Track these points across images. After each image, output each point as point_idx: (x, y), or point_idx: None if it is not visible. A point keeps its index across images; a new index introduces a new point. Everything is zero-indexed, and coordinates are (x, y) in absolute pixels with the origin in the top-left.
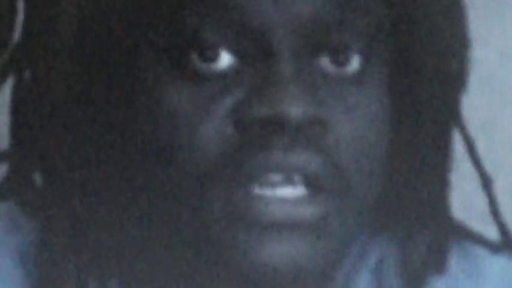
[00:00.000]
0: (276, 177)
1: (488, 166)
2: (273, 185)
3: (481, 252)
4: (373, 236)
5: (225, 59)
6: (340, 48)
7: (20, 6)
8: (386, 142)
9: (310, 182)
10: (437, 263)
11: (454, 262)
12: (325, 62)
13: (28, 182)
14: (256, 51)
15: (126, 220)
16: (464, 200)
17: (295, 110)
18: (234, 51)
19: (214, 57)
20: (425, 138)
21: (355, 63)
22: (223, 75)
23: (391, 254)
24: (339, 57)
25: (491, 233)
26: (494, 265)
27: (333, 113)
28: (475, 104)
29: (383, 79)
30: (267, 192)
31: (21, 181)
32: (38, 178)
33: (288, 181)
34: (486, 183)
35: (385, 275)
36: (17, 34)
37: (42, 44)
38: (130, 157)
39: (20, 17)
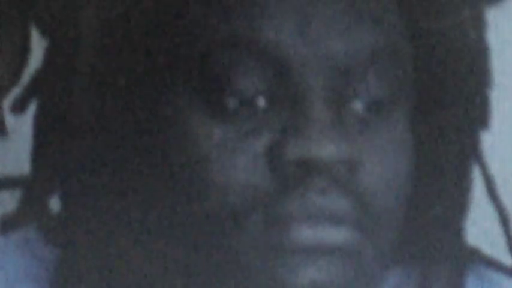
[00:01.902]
0: (306, 219)
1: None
2: (304, 225)
3: (496, 277)
4: (388, 268)
5: (260, 102)
6: (372, 94)
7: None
8: (408, 177)
9: (339, 222)
10: None
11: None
12: (358, 107)
13: (45, 208)
14: (291, 94)
15: (153, 252)
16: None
17: (330, 153)
18: (270, 95)
19: (249, 102)
20: (444, 174)
21: (385, 109)
22: (257, 116)
23: (408, 284)
24: (372, 106)
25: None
26: None
27: (364, 155)
28: None
29: (407, 117)
30: (297, 231)
31: (39, 207)
32: (54, 204)
33: (321, 222)
34: (504, 219)
35: None
36: (35, 61)
37: (65, 70)
38: (157, 187)
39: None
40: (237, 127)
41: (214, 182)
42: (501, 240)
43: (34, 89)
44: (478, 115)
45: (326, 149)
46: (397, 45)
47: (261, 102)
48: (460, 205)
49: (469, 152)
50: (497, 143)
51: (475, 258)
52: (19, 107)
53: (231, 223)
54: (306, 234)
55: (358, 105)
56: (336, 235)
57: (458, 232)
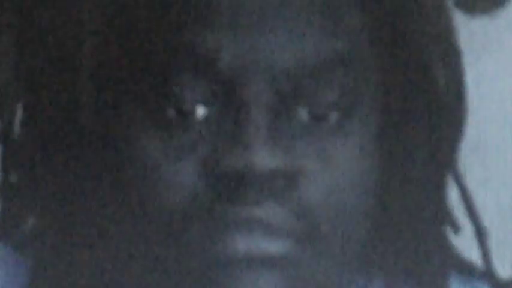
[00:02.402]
0: (240, 231)
1: None
2: (238, 238)
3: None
4: (371, 280)
5: (200, 112)
6: (318, 104)
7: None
8: (370, 191)
9: (274, 232)
10: None
11: None
12: (302, 114)
13: (20, 223)
14: (231, 102)
15: (108, 261)
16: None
17: (264, 164)
18: (210, 103)
19: (189, 111)
20: (420, 185)
21: (334, 117)
22: (197, 126)
23: None
24: (317, 111)
25: None
26: None
27: (305, 165)
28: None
29: (367, 127)
30: (232, 242)
31: (14, 221)
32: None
33: (254, 232)
34: (481, 235)
35: None
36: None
37: (35, 77)
38: (117, 199)
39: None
40: (177, 138)
41: (155, 192)
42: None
43: (5, 98)
44: (453, 125)
45: (260, 160)
46: (353, 53)
47: (201, 111)
48: (438, 212)
49: (444, 164)
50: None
51: (460, 266)
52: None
53: (170, 233)
54: (241, 245)
55: (303, 114)
56: (272, 246)
57: (440, 238)
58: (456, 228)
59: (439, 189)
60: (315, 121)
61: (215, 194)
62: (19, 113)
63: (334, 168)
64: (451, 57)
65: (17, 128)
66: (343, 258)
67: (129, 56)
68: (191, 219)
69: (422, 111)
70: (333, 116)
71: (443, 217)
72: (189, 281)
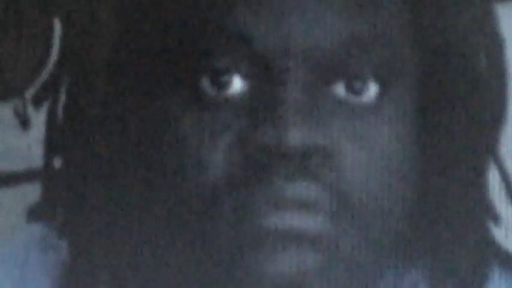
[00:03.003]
0: (273, 206)
1: None
2: (270, 213)
3: None
4: (408, 267)
5: (236, 85)
6: (356, 76)
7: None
8: (408, 171)
9: (310, 208)
10: None
11: (494, 282)
12: (340, 90)
13: (61, 202)
14: (267, 78)
15: (146, 238)
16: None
17: (299, 140)
18: (246, 77)
19: (226, 83)
20: (460, 170)
21: (371, 92)
22: (233, 102)
23: (428, 280)
24: (354, 85)
25: None
26: None
27: (340, 141)
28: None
29: (406, 108)
30: (265, 218)
31: (55, 201)
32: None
33: (289, 209)
34: None
35: None
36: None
37: (77, 63)
38: (150, 175)
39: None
40: (214, 115)
41: (190, 170)
42: None
43: (51, 83)
44: (495, 111)
45: (295, 136)
46: (391, 30)
47: (237, 84)
48: (478, 198)
49: (486, 149)
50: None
51: (498, 255)
52: (37, 101)
53: (205, 209)
54: (274, 221)
55: (340, 89)
56: (305, 223)
57: (480, 229)
58: (496, 219)
59: (480, 175)
60: (352, 96)
61: (249, 170)
62: (62, 100)
63: (370, 148)
64: (493, 40)
65: (60, 114)
66: (378, 240)
67: (165, 28)
68: (225, 195)
69: (463, 95)
70: (371, 90)
71: (483, 206)
72: (224, 256)
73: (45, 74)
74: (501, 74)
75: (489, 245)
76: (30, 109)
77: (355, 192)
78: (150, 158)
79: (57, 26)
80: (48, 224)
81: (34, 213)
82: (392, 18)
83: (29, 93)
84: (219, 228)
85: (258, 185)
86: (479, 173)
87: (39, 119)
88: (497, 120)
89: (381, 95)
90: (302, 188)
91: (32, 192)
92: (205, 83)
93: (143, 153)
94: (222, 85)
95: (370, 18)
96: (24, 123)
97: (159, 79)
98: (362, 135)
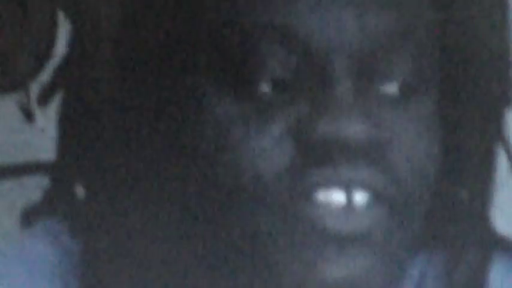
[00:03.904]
0: (338, 194)
1: None
2: (334, 202)
3: None
4: (417, 250)
5: (287, 82)
6: (398, 73)
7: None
8: (435, 158)
9: (372, 197)
10: (478, 281)
11: (497, 276)
12: (383, 85)
13: (71, 198)
14: (317, 72)
15: (174, 234)
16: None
17: (358, 132)
18: (297, 75)
19: (276, 82)
20: (469, 155)
21: (410, 87)
22: (283, 94)
23: (434, 269)
24: (397, 81)
25: None
26: None
27: (390, 133)
28: None
29: (434, 100)
30: (329, 204)
31: (64, 197)
32: (80, 194)
33: (350, 199)
34: None
35: None
36: (61, 48)
37: (89, 58)
38: (181, 169)
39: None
40: (262, 106)
41: (241, 161)
42: None
43: (58, 79)
44: (503, 97)
45: (354, 128)
46: (421, 28)
47: (288, 81)
48: (485, 189)
49: (494, 135)
50: None
51: (503, 245)
52: (44, 98)
53: (260, 199)
54: (333, 219)
55: (389, 87)
56: (369, 218)
57: (484, 217)
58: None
59: (489, 175)
60: (399, 94)
61: (307, 159)
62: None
63: (413, 140)
64: (504, 34)
65: (71, 108)
66: (418, 231)
67: (212, 25)
68: (279, 186)
69: (474, 86)
70: (410, 85)
71: (489, 200)
72: (273, 255)
73: (51, 70)
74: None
75: (490, 232)
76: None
77: (411, 181)
78: (186, 151)
79: (61, 19)
80: (52, 219)
81: (39, 209)
82: (419, 17)
83: (33, 86)
84: (272, 216)
85: (319, 171)
86: (489, 151)
87: (43, 112)
88: (505, 106)
89: (420, 93)
90: (365, 173)
91: (35, 186)
92: (264, 88)
93: (170, 144)
94: (278, 88)
95: (406, 16)
96: (29, 116)
97: (201, 75)
98: (407, 127)
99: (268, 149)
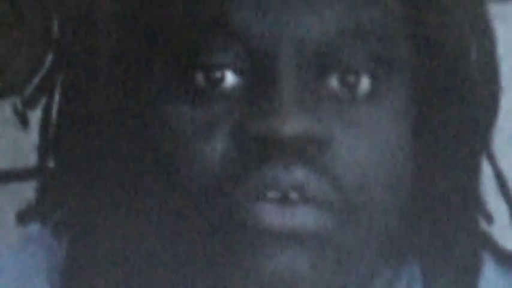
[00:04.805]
0: (274, 194)
1: None
2: (271, 202)
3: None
4: (402, 264)
5: (229, 80)
6: (348, 69)
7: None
8: (402, 166)
9: (308, 199)
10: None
11: (488, 283)
12: (333, 83)
13: (58, 203)
14: (261, 71)
15: (142, 234)
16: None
17: (289, 128)
18: (239, 71)
19: (219, 78)
20: (453, 165)
21: (364, 86)
22: (227, 94)
23: (420, 283)
24: (348, 78)
25: None
26: None
27: (335, 133)
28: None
29: (401, 103)
30: (266, 204)
31: (51, 202)
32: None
33: (286, 199)
34: None
35: None
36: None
37: (72, 66)
38: (145, 170)
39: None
40: (208, 108)
41: (183, 162)
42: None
43: (45, 82)
44: (488, 106)
45: (289, 125)
46: (384, 24)
47: (230, 79)
48: (472, 190)
49: (479, 147)
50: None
51: (493, 251)
52: (32, 102)
53: (200, 201)
54: (270, 216)
55: (333, 82)
56: (302, 218)
57: (472, 221)
58: (489, 219)
59: (473, 170)
60: (346, 89)
61: (245, 160)
62: (56, 99)
63: (364, 139)
64: (484, 37)
65: (54, 114)
66: (374, 235)
67: (158, 25)
68: (222, 186)
69: (455, 91)
70: (364, 83)
71: (476, 202)
72: (220, 247)
73: (39, 74)
74: (492, 70)
75: (483, 241)
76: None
77: (351, 184)
78: (145, 153)
79: (56, 25)
80: (44, 223)
81: (30, 212)
82: (386, 12)
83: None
84: (213, 222)
85: (255, 173)
86: (472, 168)
87: (39, 117)
88: (490, 116)
89: (374, 89)
90: (300, 177)
91: (29, 191)
92: (199, 78)
93: (138, 149)
94: (215, 80)
95: (364, 12)
96: (24, 121)
97: (152, 75)
98: (356, 127)
99: (209, 151)
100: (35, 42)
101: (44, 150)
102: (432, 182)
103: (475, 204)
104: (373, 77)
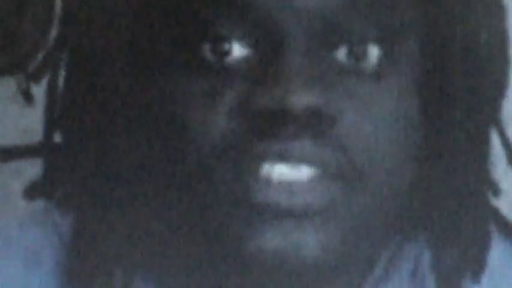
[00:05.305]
0: (281, 167)
1: None
2: (279, 174)
3: None
4: (407, 241)
5: (236, 52)
6: (358, 40)
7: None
8: (411, 140)
9: (317, 169)
10: (474, 267)
11: (497, 257)
12: (341, 55)
13: (64, 179)
14: (268, 43)
15: (143, 205)
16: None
17: (297, 102)
18: (246, 43)
19: (226, 50)
20: (462, 139)
21: (373, 58)
22: (234, 66)
23: (427, 258)
24: (356, 50)
25: None
26: None
27: (342, 107)
28: None
29: (409, 77)
30: (273, 178)
31: (57, 177)
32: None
33: (294, 171)
34: None
35: (421, 281)
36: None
37: (78, 40)
38: (154, 145)
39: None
40: (215, 79)
41: (190, 134)
42: None
43: (52, 58)
44: (497, 79)
45: (297, 98)
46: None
47: (237, 51)
48: (479, 170)
49: (488, 119)
50: None
51: (501, 225)
52: (37, 76)
53: (203, 172)
54: (276, 192)
55: (341, 54)
56: (315, 193)
57: (481, 196)
58: (496, 189)
59: (481, 145)
60: (354, 61)
61: (251, 132)
62: (62, 73)
63: (371, 113)
64: (494, 9)
65: (60, 88)
66: (381, 210)
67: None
68: (224, 157)
69: (464, 63)
70: (372, 54)
71: (484, 176)
72: (223, 220)
73: (44, 48)
74: (502, 42)
75: (491, 215)
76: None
77: (360, 155)
78: (150, 126)
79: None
80: (49, 199)
81: (36, 188)
82: None
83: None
84: (216, 191)
85: (261, 144)
86: (481, 143)
87: (42, 94)
88: (499, 88)
89: (382, 60)
90: (308, 146)
91: (35, 168)
92: (206, 50)
93: (143, 121)
94: (222, 52)
95: None
96: (28, 98)
97: (158, 46)
98: (364, 101)
99: (215, 123)
100: (37, 18)
101: (49, 125)
102: (440, 155)
103: (483, 177)
104: (381, 47)
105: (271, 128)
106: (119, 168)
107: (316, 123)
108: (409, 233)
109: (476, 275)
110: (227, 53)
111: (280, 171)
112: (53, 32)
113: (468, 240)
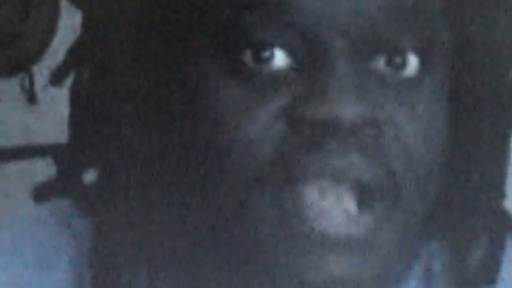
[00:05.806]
0: (326, 181)
1: None
2: (323, 189)
3: None
4: (421, 243)
5: (278, 59)
6: (397, 50)
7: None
8: (442, 148)
9: (360, 190)
10: (490, 272)
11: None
12: (381, 64)
13: (81, 179)
14: (311, 51)
15: (176, 218)
16: None
17: (351, 112)
18: (289, 51)
19: (268, 58)
20: (485, 146)
21: (412, 67)
22: (276, 75)
23: (440, 261)
24: (395, 59)
25: None
26: None
27: (388, 116)
28: None
29: (442, 85)
30: (317, 199)
31: (74, 178)
32: (88, 175)
33: (338, 188)
34: None
35: (434, 283)
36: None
37: (101, 41)
38: (184, 153)
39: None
40: (256, 86)
41: (231, 143)
42: None
43: (71, 60)
44: None
45: (349, 109)
46: (425, 3)
47: (279, 59)
48: (499, 173)
49: (508, 131)
50: None
51: (509, 224)
52: (57, 79)
53: (247, 186)
54: (321, 220)
55: (380, 63)
56: (360, 221)
57: (497, 202)
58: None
59: (503, 150)
60: (394, 70)
61: (298, 144)
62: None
63: (411, 122)
64: None
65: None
66: (415, 223)
67: (206, 1)
68: (270, 170)
69: (494, 72)
70: (411, 65)
71: (501, 183)
72: (264, 247)
73: (66, 53)
74: None
75: (505, 219)
76: (36, 85)
77: (400, 168)
78: (185, 131)
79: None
80: (61, 201)
81: (47, 190)
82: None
83: (36, 68)
84: (263, 203)
85: (309, 157)
86: (502, 150)
87: (46, 94)
88: None
89: (421, 69)
90: (356, 165)
91: (41, 168)
92: (247, 57)
93: (175, 126)
94: (264, 59)
95: None
96: (31, 98)
97: (200, 50)
98: (404, 111)
99: (258, 131)
100: (41, 20)
101: (73, 125)
102: (461, 163)
103: (501, 184)
104: (419, 56)
105: (320, 139)
106: (146, 171)
107: (366, 135)
108: (423, 237)
109: (492, 280)
110: (269, 60)
111: (324, 187)
112: (59, 34)
113: (486, 246)
